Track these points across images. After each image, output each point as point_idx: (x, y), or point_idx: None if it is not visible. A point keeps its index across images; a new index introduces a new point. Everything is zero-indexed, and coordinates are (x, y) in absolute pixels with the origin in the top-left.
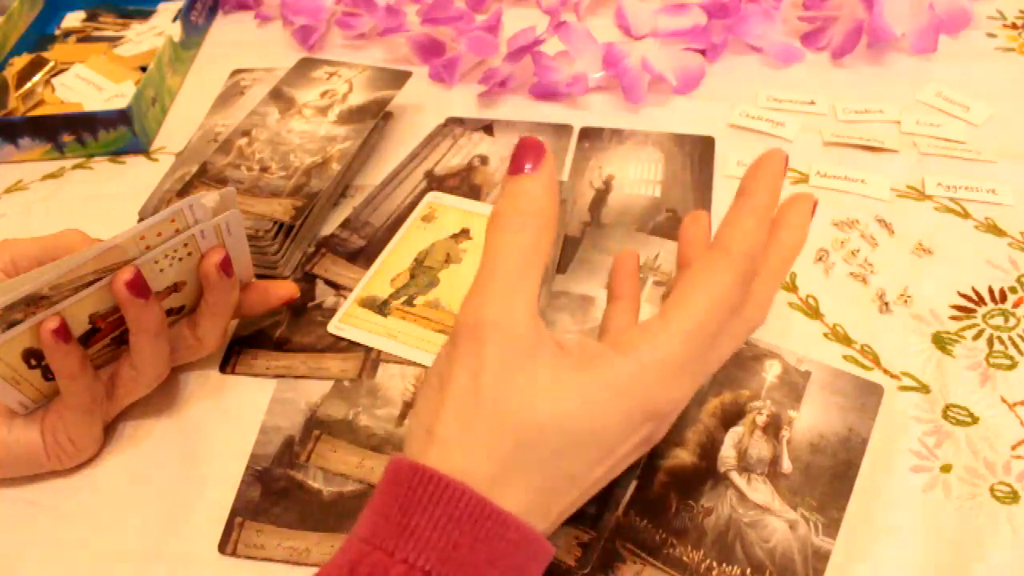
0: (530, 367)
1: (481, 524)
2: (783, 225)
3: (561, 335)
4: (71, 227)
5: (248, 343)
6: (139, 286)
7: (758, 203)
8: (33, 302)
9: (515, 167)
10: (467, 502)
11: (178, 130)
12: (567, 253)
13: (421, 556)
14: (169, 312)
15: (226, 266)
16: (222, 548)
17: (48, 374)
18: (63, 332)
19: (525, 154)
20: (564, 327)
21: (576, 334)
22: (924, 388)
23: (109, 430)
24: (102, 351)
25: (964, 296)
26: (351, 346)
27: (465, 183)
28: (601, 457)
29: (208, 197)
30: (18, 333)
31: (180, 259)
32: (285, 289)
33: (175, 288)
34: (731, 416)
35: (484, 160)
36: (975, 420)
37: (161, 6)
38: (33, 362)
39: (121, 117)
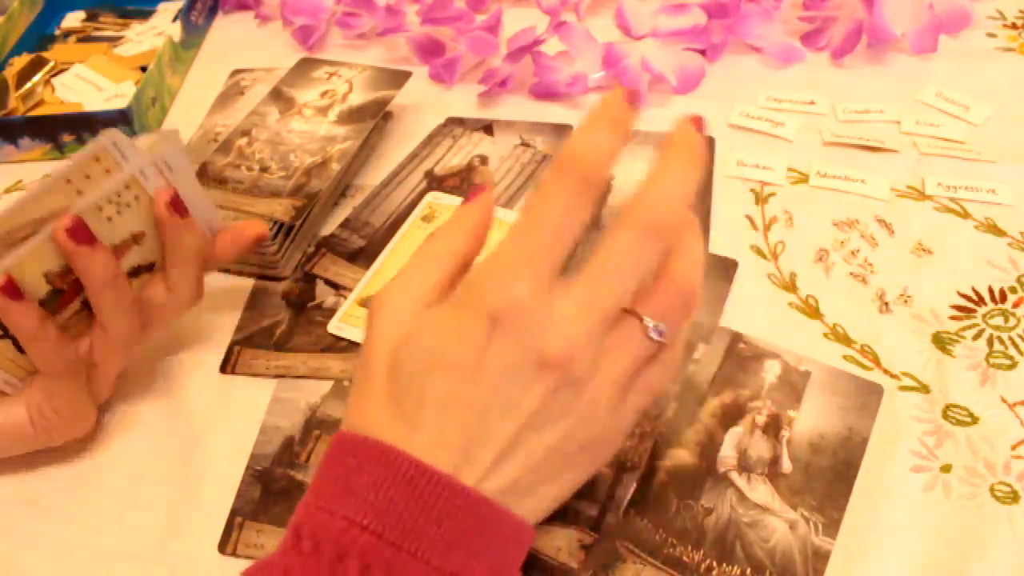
0: (405, 328)
1: (416, 483)
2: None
3: None
4: None
5: (248, 343)
6: (80, 233)
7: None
8: None
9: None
10: (401, 464)
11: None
12: None
13: (359, 512)
14: (137, 270)
15: (176, 204)
16: (222, 548)
17: (20, 345)
18: (11, 289)
19: (471, 195)
20: None
21: None
22: (924, 388)
23: (109, 430)
24: (76, 319)
25: (964, 296)
26: (351, 346)
27: (465, 183)
28: (460, 373)
29: (141, 138)
30: None
31: (128, 205)
32: (254, 228)
33: (135, 240)
34: (731, 416)
35: (484, 160)
36: (975, 420)
37: (161, 6)
38: None
39: (121, 117)
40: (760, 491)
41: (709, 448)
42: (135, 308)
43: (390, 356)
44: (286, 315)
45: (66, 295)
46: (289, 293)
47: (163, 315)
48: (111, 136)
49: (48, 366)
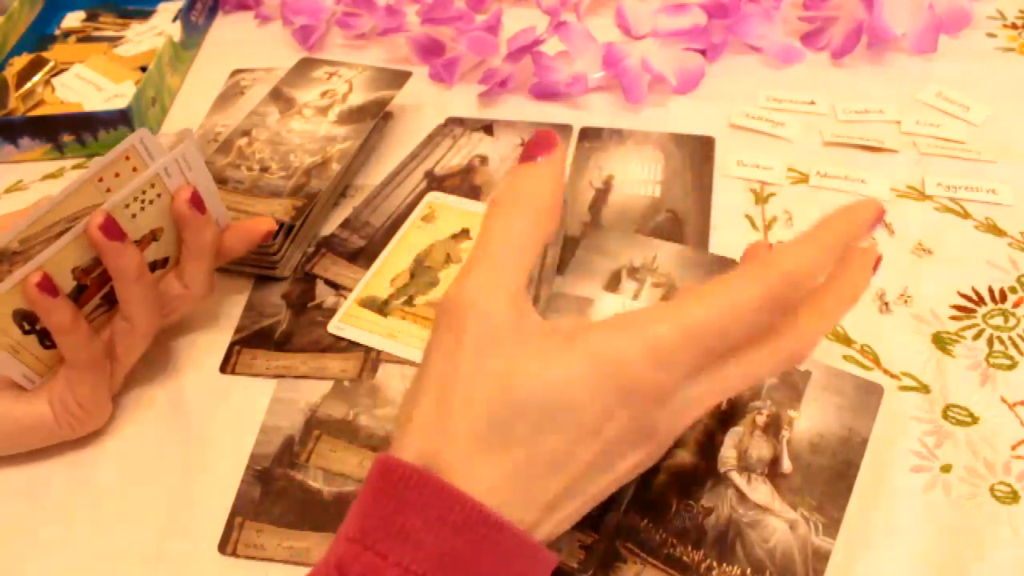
0: (509, 348)
1: (477, 529)
2: (844, 270)
3: (557, 320)
4: None
5: (248, 343)
6: (112, 229)
7: (825, 237)
8: (5, 258)
9: (525, 156)
10: (463, 506)
11: (178, 130)
12: (565, 254)
13: (415, 560)
14: (154, 265)
15: (196, 201)
16: (222, 548)
17: (45, 340)
18: (48, 285)
19: (537, 146)
20: None
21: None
22: (924, 388)
23: (110, 431)
24: (97, 313)
25: (964, 296)
26: (351, 346)
27: (465, 183)
28: (581, 436)
29: (161, 137)
30: (2, 292)
31: (151, 202)
32: (264, 223)
33: (153, 236)
34: (731, 416)
35: (484, 160)
36: (975, 420)
37: (161, 6)
38: (27, 326)
39: (121, 117)
40: (760, 491)
41: (709, 448)
42: (157, 301)
43: (497, 389)
44: (286, 315)
45: (89, 290)
46: (289, 293)
47: (177, 308)
48: (140, 135)
49: (77, 359)
